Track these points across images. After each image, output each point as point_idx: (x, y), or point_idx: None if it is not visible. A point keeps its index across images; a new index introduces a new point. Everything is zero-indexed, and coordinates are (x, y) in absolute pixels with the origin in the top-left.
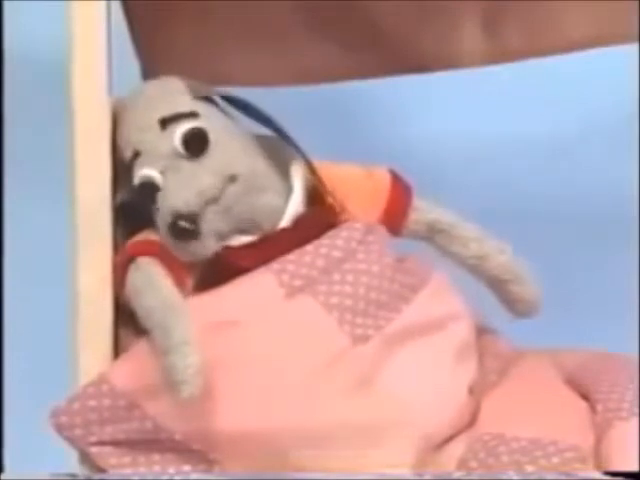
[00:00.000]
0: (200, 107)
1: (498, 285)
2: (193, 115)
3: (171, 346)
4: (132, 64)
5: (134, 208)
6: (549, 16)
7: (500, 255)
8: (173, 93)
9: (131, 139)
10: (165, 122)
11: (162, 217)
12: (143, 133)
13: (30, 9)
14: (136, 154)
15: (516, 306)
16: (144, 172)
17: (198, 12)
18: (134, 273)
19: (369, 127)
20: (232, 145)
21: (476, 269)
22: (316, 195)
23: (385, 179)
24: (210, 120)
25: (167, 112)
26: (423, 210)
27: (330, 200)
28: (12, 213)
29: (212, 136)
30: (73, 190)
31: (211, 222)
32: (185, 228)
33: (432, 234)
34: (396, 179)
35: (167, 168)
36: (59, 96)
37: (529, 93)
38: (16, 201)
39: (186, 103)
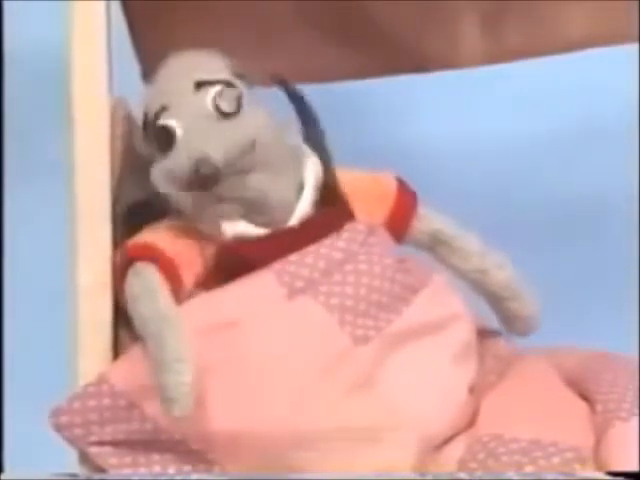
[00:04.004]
0: (238, 82)
1: (496, 301)
2: (230, 84)
3: (164, 363)
4: (132, 64)
5: (143, 208)
6: (549, 16)
7: (500, 271)
8: (214, 62)
9: (162, 94)
10: (200, 85)
11: (180, 162)
12: (175, 89)
13: (30, 9)
14: (163, 108)
15: (514, 323)
16: (167, 122)
17: (198, 12)
18: (132, 278)
19: (369, 127)
20: (261, 116)
21: (476, 283)
22: (327, 196)
23: (391, 185)
24: (245, 92)
25: (204, 77)
26: (427, 219)
27: (343, 203)
28: (12, 213)
29: (245, 103)
30: (73, 190)
31: (227, 191)
32: (206, 175)
33: (434, 244)
34: (402, 186)
35: (192, 126)
36: (59, 96)
37: (529, 93)
38: (16, 201)
39: (225, 74)
